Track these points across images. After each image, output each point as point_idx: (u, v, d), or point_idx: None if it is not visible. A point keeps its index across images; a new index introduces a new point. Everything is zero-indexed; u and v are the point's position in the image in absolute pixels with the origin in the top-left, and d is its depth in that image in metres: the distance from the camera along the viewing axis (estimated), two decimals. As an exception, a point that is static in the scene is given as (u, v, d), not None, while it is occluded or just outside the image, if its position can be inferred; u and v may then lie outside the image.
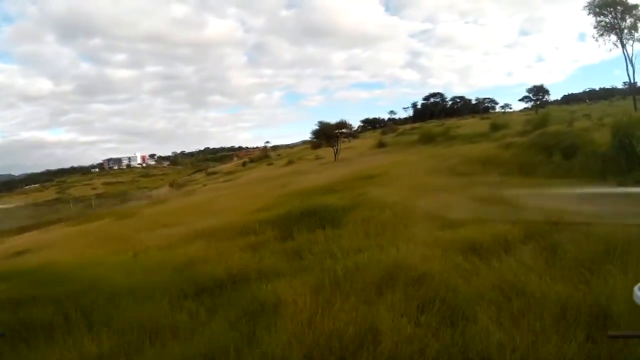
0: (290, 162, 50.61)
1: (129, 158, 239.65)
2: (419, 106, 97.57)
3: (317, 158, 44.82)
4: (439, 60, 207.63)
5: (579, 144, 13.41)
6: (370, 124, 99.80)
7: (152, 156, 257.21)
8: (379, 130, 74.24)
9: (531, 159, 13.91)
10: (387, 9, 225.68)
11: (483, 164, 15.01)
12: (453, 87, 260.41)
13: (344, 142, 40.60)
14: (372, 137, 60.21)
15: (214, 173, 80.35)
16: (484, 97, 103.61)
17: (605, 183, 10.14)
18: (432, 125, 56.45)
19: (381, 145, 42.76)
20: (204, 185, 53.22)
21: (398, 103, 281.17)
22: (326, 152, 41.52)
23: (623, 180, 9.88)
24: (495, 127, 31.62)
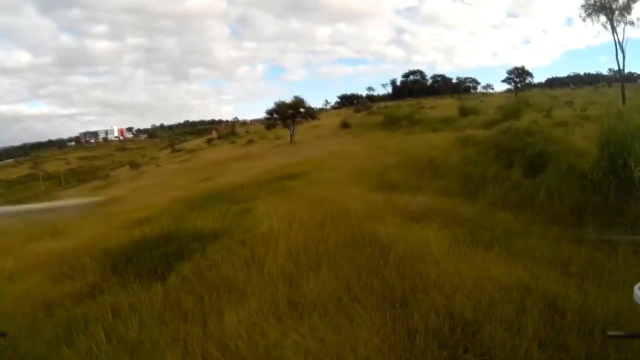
0: (249, 142, 46.53)
1: (106, 131, 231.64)
2: (398, 84, 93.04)
3: (277, 138, 40.86)
4: (424, 38, 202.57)
5: (551, 153, 9.46)
6: (348, 101, 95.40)
7: (129, 129, 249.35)
8: (353, 108, 70.11)
9: (481, 170, 9.98)
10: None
11: (420, 173, 11.10)
12: (438, 66, 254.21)
13: (301, 122, 36.51)
14: (342, 115, 56.92)
15: (179, 150, 75.71)
16: (466, 76, 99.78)
17: (580, 230, 6.33)
18: (406, 105, 52.77)
19: (345, 126, 38.61)
20: (158, 166, 49.34)
21: (381, 80, 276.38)
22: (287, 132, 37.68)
23: (608, 229, 6.05)
24: (464, 112, 27.63)
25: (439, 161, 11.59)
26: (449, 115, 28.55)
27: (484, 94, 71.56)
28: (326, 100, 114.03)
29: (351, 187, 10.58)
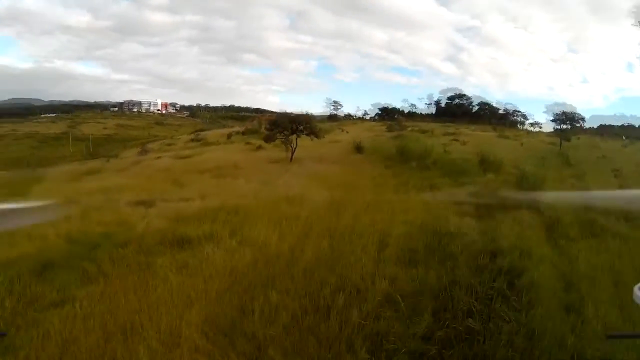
0: (259, 148, 42.74)
1: (150, 103, 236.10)
2: (442, 104, 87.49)
3: (286, 150, 36.83)
4: (481, 60, 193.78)
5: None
6: (388, 114, 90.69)
7: (173, 104, 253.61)
8: (387, 126, 65.37)
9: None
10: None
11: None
12: (491, 91, 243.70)
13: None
14: (375, 131, 52.49)
15: (198, 140, 72.86)
16: (516, 108, 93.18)
17: None
18: (441, 131, 47.61)
19: (358, 149, 34.15)
20: (158, 158, 46.44)
21: (432, 95, 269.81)
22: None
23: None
24: (484, 163, 22.62)
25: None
26: (467, 162, 23.92)
27: (528, 132, 65.20)
28: (365, 111, 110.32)
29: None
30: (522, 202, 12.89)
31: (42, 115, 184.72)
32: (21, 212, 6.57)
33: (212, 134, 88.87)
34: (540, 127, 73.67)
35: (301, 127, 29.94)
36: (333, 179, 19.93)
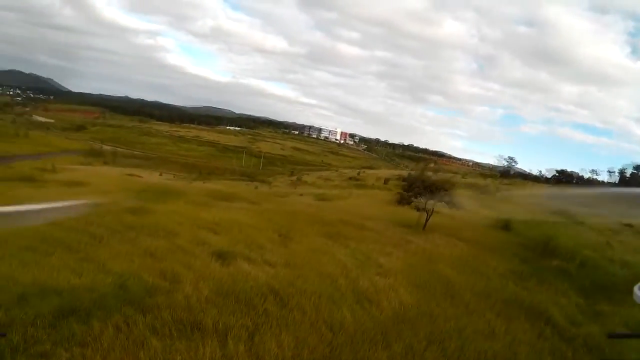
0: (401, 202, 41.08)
1: (329, 131, 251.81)
2: (627, 174, 75.31)
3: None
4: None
5: None
6: (564, 176, 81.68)
7: (352, 136, 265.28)
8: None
9: None
10: (634, 51, 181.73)
11: None
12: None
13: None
14: (536, 197, 46.40)
15: (356, 179, 74.23)
16: None
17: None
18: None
19: (505, 226, 30.70)
20: (301, 195, 47.94)
21: (621, 159, 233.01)
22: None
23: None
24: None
25: None
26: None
27: None
28: (540, 171, 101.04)
29: None
30: None
31: (228, 127, 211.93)
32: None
33: (372, 175, 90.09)
34: None
35: (441, 193, 28.04)
36: (447, 262, 18.07)
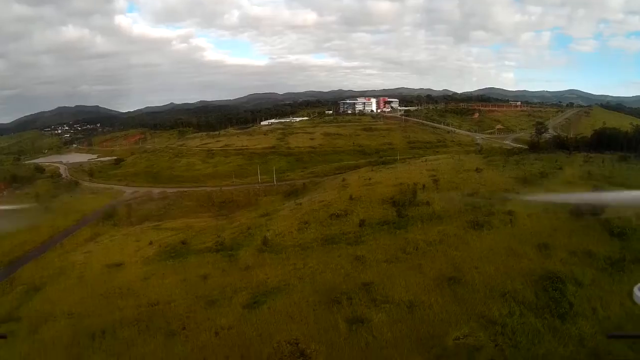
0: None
1: (363, 103, 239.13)
2: None
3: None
4: None
5: None
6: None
7: (388, 103, 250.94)
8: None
9: None
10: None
11: None
12: None
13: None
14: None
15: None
16: None
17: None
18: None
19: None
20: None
21: None
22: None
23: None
24: None
25: None
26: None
27: None
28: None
29: None
30: None
31: (261, 124, 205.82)
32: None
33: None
34: None
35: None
36: None
